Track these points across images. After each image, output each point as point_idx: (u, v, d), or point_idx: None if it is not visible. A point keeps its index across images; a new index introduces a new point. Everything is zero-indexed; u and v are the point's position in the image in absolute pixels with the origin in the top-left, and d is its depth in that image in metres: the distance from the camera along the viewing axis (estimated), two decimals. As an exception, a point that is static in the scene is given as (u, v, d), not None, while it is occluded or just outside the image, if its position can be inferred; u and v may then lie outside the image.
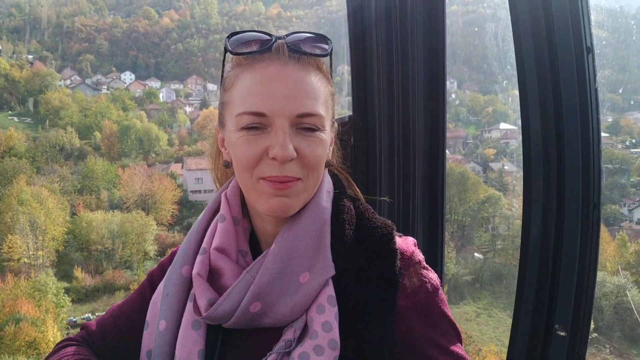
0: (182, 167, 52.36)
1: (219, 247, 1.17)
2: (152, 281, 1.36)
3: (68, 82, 72.93)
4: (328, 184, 1.23)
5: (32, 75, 69.08)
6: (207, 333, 1.15)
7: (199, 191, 49.37)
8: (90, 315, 33.69)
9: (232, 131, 1.12)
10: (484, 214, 40.37)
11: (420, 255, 1.19)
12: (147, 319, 1.25)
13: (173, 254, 1.31)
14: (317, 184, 1.15)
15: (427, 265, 1.19)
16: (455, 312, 31.80)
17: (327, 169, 1.24)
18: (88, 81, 74.35)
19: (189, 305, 1.17)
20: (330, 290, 1.10)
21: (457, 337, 1.16)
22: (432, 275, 1.18)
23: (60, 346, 1.31)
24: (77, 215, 42.79)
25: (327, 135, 1.14)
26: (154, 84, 77.92)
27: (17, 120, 66.55)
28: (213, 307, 1.10)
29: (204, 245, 1.21)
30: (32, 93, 67.64)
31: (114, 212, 42.05)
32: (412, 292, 1.13)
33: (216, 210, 1.26)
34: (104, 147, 59.16)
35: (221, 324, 1.13)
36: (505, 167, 46.92)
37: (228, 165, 1.21)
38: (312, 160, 1.09)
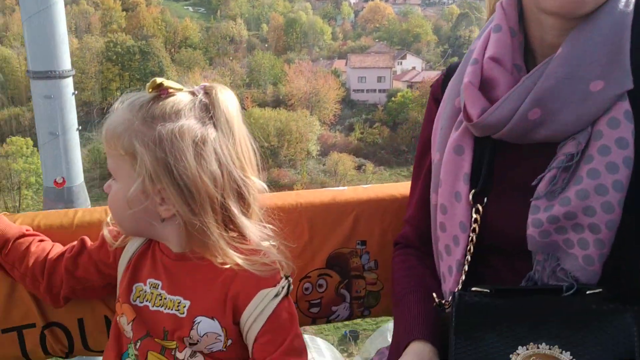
0: (346, 64, 51.19)
1: (494, 56, 1.09)
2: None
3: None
4: None
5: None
6: (472, 157, 1.14)
7: (362, 90, 48.17)
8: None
9: None
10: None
11: None
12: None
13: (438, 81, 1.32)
14: None
15: None
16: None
17: None
18: (256, -30, 74.48)
19: (452, 133, 1.17)
20: (626, 104, 1.00)
21: None
22: None
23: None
24: (245, 109, 44.29)
25: None
26: (319, -28, 76.00)
27: (191, 10, 69.57)
28: (488, 112, 1.06)
29: (475, 56, 1.14)
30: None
31: (279, 109, 42.70)
32: None
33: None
34: (271, 39, 59.83)
35: (490, 135, 1.09)
36: None
37: None
38: None
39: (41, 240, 1.35)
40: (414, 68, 50.60)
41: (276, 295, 1.15)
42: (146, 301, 1.20)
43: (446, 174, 1.16)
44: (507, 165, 1.12)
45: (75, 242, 1.34)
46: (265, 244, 1.20)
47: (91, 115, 44.16)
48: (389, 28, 63.27)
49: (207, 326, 1.15)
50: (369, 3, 67.43)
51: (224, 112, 1.14)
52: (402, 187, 1.57)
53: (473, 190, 1.12)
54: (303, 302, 1.59)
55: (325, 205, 1.57)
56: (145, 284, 1.21)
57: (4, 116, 42.03)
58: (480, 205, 1.11)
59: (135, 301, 1.21)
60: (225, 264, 1.13)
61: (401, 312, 1.25)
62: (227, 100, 1.16)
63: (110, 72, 47.04)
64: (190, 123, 1.11)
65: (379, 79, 48.39)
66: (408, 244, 1.38)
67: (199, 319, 1.15)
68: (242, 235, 1.17)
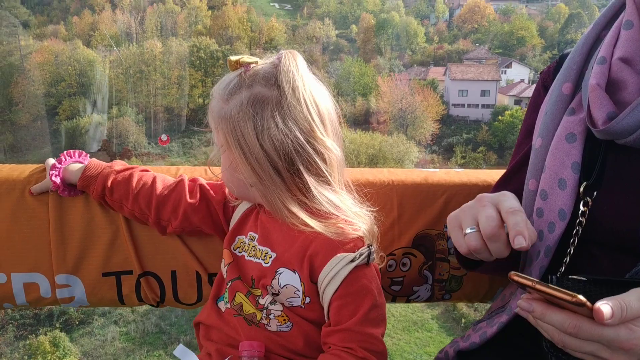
0: (445, 73, 46.55)
1: (624, 56, 1.05)
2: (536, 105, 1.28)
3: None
4: None
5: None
6: (583, 147, 1.09)
7: (462, 105, 43.25)
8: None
9: None
10: None
11: None
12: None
13: (550, 68, 1.28)
14: None
15: None
16: None
17: None
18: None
19: (565, 120, 1.12)
20: None
21: None
22: None
23: None
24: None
25: None
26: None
27: (277, 7, 66.76)
28: (615, 120, 1.00)
29: (602, 54, 1.08)
30: (292, -21, 66.67)
31: (372, 132, 38.68)
32: None
33: (610, 18, 1.14)
34: (359, 41, 55.96)
35: (614, 139, 1.03)
36: None
37: None
38: None
39: (142, 171, 1.44)
40: (522, 81, 45.04)
41: (352, 261, 1.16)
42: (243, 251, 1.29)
43: (552, 160, 1.10)
44: (621, 161, 1.05)
45: (187, 182, 1.41)
46: (354, 211, 1.23)
47: (173, 123, 42.25)
48: (489, 29, 57.69)
49: (287, 278, 1.20)
50: (467, 1, 61.92)
51: (287, 76, 1.15)
52: (495, 174, 1.56)
53: (585, 183, 1.06)
54: (385, 278, 1.59)
55: (417, 185, 1.57)
56: (246, 237, 1.31)
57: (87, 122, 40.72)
58: (590, 198, 1.06)
59: (235, 250, 1.31)
60: (296, 225, 1.17)
61: None
62: (291, 62, 1.16)
63: (192, 78, 44.96)
64: (250, 93, 1.16)
65: (483, 93, 43.28)
66: None
67: (281, 269, 1.20)
68: (329, 201, 1.20)
